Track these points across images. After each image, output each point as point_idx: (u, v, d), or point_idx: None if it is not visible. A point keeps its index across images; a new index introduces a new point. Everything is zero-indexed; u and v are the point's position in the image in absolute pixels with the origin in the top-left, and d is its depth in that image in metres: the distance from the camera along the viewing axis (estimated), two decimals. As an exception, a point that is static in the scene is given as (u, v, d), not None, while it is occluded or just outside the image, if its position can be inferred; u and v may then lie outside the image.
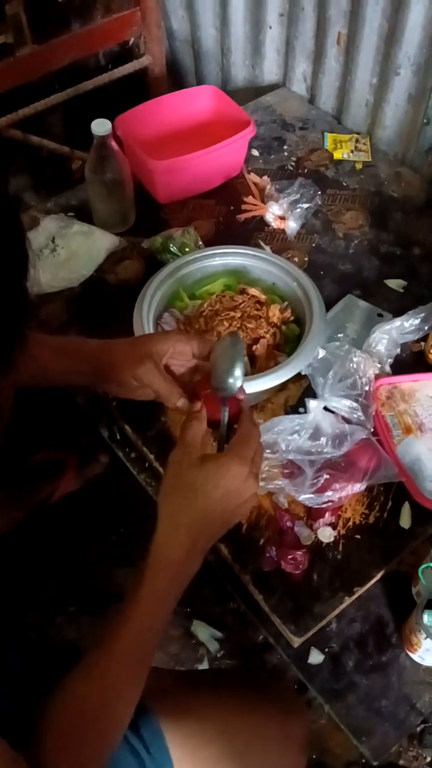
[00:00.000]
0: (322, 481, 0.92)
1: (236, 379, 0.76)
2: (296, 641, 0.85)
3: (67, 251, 1.26)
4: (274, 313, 1.03)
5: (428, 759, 1.17)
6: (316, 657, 0.86)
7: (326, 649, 0.86)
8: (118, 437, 1.05)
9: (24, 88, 1.51)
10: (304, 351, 0.96)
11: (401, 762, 1.17)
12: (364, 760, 0.82)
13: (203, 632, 1.31)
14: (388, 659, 0.86)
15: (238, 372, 0.76)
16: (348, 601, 0.88)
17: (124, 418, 1.03)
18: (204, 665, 1.29)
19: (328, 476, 0.92)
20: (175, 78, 1.87)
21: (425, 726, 1.17)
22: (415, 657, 0.84)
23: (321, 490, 0.91)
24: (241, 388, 0.79)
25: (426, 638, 0.78)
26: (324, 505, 0.91)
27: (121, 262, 1.26)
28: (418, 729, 1.17)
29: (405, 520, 0.93)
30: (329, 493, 0.91)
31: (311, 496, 0.91)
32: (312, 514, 0.93)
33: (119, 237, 1.28)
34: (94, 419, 1.08)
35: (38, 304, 1.20)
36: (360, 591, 0.89)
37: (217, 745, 0.88)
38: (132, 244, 1.28)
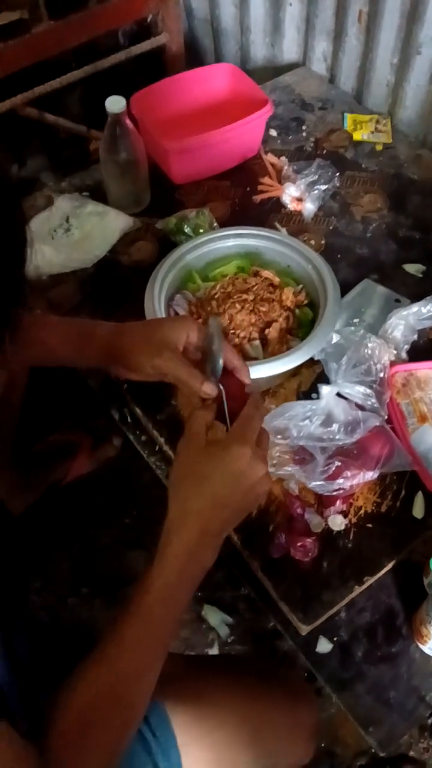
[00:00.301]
0: (333, 469, 0.90)
1: (215, 360, 0.76)
2: (304, 629, 0.84)
3: (81, 232, 1.25)
4: (288, 296, 1.01)
5: (438, 750, 1.16)
6: (324, 646, 0.85)
7: (335, 639, 0.85)
8: (129, 420, 1.04)
9: (40, 66, 1.50)
10: (317, 335, 0.94)
11: (411, 753, 1.17)
12: (374, 750, 0.81)
13: (214, 617, 1.31)
14: (397, 650, 0.84)
15: (215, 349, 0.76)
16: (358, 590, 0.86)
17: (135, 401, 1.02)
18: (214, 650, 1.28)
19: (339, 463, 0.90)
20: (194, 56, 1.84)
21: (436, 717, 1.16)
22: (425, 649, 0.83)
23: (332, 478, 0.90)
24: (246, 373, 0.78)
25: (436, 630, 0.77)
26: (335, 493, 0.89)
27: (135, 243, 1.24)
28: (429, 721, 1.16)
29: (418, 510, 0.92)
30: (340, 480, 0.89)
31: (322, 483, 0.89)
32: (323, 502, 0.92)
33: (133, 218, 1.27)
34: (106, 402, 1.07)
35: (50, 285, 1.19)
36: (370, 580, 0.87)
37: (224, 730, 0.87)
38: (146, 225, 1.27)
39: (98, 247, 1.23)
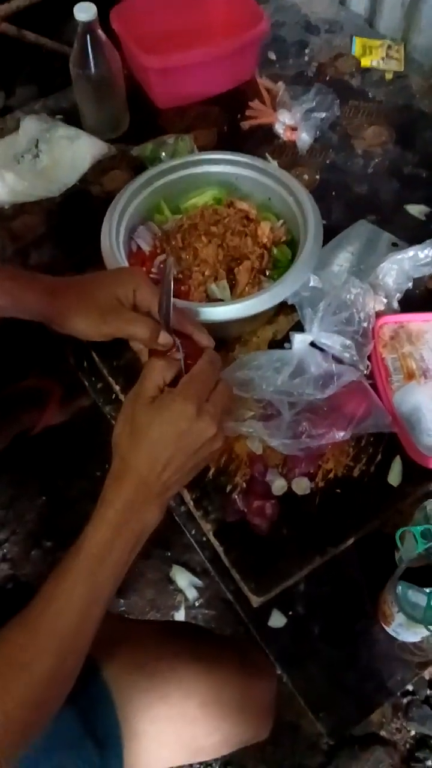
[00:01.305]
0: (300, 427, 0.80)
1: (167, 309, 0.71)
2: (255, 600, 0.76)
3: (50, 157, 1.14)
4: (264, 231, 0.89)
5: (412, 732, 1.08)
6: (277, 619, 0.76)
7: (290, 612, 0.77)
8: (86, 365, 0.94)
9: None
10: (290, 276, 0.83)
11: (383, 733, 1.09)
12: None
13: (182, 579, 1.24)
14: (359, 630, 0.76)
15: (166, 295, 0.70)
16: (319, 561, 0.77)
17: (92, 345, 0.93)
18: (180, 613, 1.22)
19: (307, 421, 0.80)
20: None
21: (412, 698, 1.08)
22: (389, 630, 0.74)
23: (298, 436, 0.80)
24: (204, 337, 0.73)
25: (399, 611, 0.68)
26: (299, 453, 0.80)
27: (108, 172, 1.13)
28: (405, 701, 1.09)
29: (394, 477, 0.82)
30: (307, 439, 0.79)
31: (286, 441, 0.79)
32: (288, 463, 0.82)
33: (108, 144, 1.15)
34: (62, 345, 0.97)
35: (12, 215, 1.09)
36: (334, 551, 0.78)
37: (168, 704, 0.81)
38: (122, 153, 1.15)
39: (67, 174, 1.12)
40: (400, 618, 0.68)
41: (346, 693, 0.73)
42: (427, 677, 0.83)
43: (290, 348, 0.87)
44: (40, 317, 0.78)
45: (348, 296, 0.88)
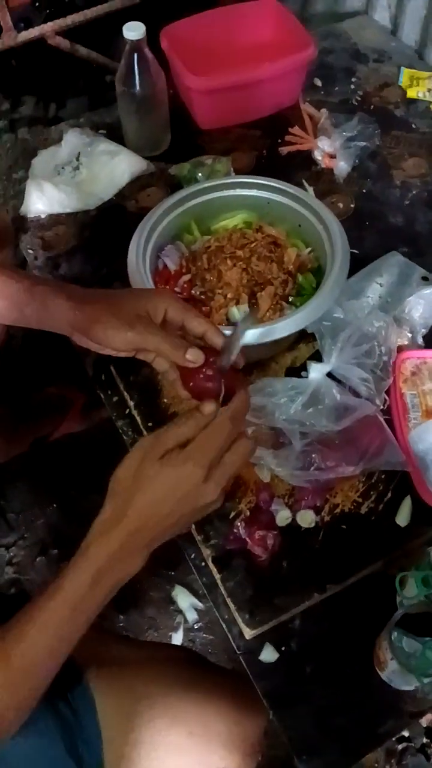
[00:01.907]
0: (310, 458, 0.79)
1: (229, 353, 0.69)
2: (249, 633, 0.74)
3: (89, 171, 1.15)
4: (290, 257, 0.88)
5: (406, 779, 1.04)
6: (269, 654, 0.74)
7: (283, 648, 0.74)
8: (103, 378, 0.95)
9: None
10: (313, 305, 0.82)
11: (376, 777, 1.06)
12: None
13: (183, 600, 1.22)
14: (353, 672, 0.73)
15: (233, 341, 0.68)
16: (318, 598, 0.76)
17: (111, 359, 0.93)
18: (178, 635, 1.20)
19: (318, 452, 0.79)
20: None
21: (407, 745, 1.04)
22: (383, 676, 0.71)
23: (307, 467, 0.78)
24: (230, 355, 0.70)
25: (392, 659, 0.65)
26: (306, 484, 0.78)
27: (145, 189, 1.14)
28: (399, 747, 1.05)
29: (403, 517, 0.80)
30: (315, 471, 0.78)
31: (294, 472, 0.78)
32: (295, 494, 0.81)
33: (147, 161, 1.16)
34: (82, 356, 0.98)
35: (47, 225, 1.11)
36: (334, 589, 0.76)
37: (152, 731, 0.79)
38: (160, 171, 1.16)
39: (104, 189, 1.13)
40: (393, 665, 0.66)
41: (333, 738, 0.70)
42: (424, 724, 0.79)
43: (307, 377, 0.85)
44: (66, 326, 0.75)
45: (370, 329, 0.86)
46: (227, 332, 0.72)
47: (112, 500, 0.64)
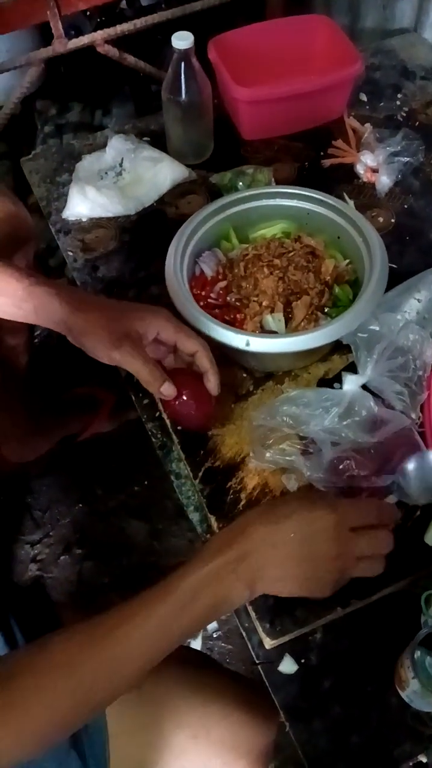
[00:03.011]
0: (343, 465, 0.78)
1: None
2: (269, 642, 0.74)
3: (132, 176, 1.17)
4: (328, 268, 0.88)
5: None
6: (288, 665, 0.73)
7: (302, 660, 0.74)
8: (135, 379, 0.95)
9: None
10: (348, 316, 0.81)
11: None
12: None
13: (204, 608, 1.22)
14: (372, 690, 0.72)
15: None
16: (340, 612, 0.75)
17: (144, 360, 0.94)
18: (197, 642, 1.20)
19: (351, 459, 0.78)
20: (302, 12, 1.70)
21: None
22: (403, 696, 0.70)
23: (339, 474, 0.77)
24: (214, 383, 0.79)
25: (414, 678, 0.64)
26: (336, 489, 0.77)
27: (186, 196, 1.15)
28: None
29: (431, 536, 0.78)
30: (346, 478, 0.77)
31: (323, 476, 0.77)
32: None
33: (189, 169, 1.17)
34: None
35: (88, 228, 1.13)
36: (358, 605, 0.75)
37: (156, 732, 0.79)
38: (202, 178, 1.17)
39: (145, 194, 1.15)
40: (415, 685, 0.65)
41: (348, 756, 0.69)
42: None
43: (340, 388, 0.85)
44: (62, 326, 0.77)
45: (405, 342, 0.85)
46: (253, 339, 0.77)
47: (239, 521, 0.65)
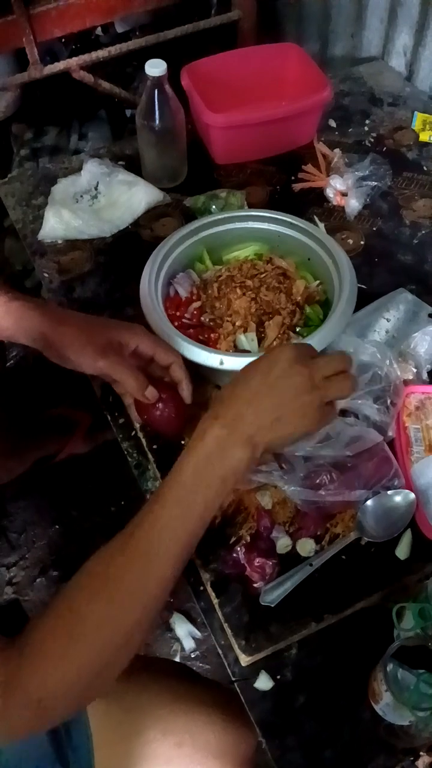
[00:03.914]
0: (319, 479, 0.79)
1: None
2: (245, 659, 0.74)
3: (107, 200, 1.19)
4: (299, 289, 0.90)
5: None
6: (264, 682, 0.74)
7: (278, 677, 0.74)
8: (111, 399, 0.96)
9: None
10: (319, 335, 0.83)
11: None
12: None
13: (181, 627, 1.22)
14: (346, 705, 0.73)
15: None
16: (314, 627, 0.76)
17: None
18: (174, 662, 1.19)
19: (327, 473, 0.79)
20: (274, 40, 1.75)
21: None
22: (377, 708, 0.71)
23: (315, 487, 0.79)
24: (187, 392, 0.83)
25: (387, 690, 0.65)
26: (312, 505, 0.78)
27: (160, 219, 1.17)
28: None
29: (403, 550, 0.80)
30: (321, 492, 0.78)
31: (299, 489, 0.78)
32: (296, 522, 0.82)
33: (164, 192, 1.19)
34: (90, 377, 1.00)
35: (63, 250, 1.14)
36: (331, 620, 0.76)
37: (142, 741, 0.79)
38: (176, 202, 1.19)
39: (120, 217, 1.16)
40: (387, 698, 0.65)
41: (323, 771, 0.70)
42: (421, 767, 0.77)
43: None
44: (40, 341, 0.79)
45: (365, 357, 0.87)
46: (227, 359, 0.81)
47: (216, 400, 0.71)
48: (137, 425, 0.92)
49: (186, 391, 0.82)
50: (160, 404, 0.81)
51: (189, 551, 0.64)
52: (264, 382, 0.66)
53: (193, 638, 1.22)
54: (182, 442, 0.87)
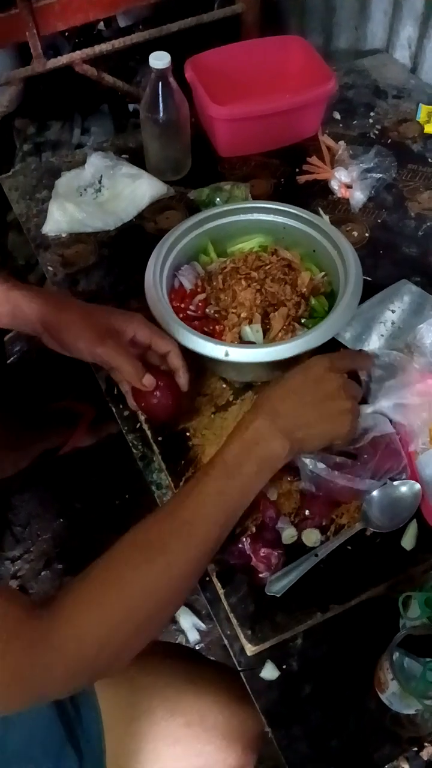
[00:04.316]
0: (338, 459, 0.79)
1: None
2: (251, 649, 0.74)
3: (111, 193, 1.18)
4: (304, 280, 0.90)
5: None
6: (270, 672, 0.74)
7: (284, 666, 0.74)
8: (116, 391, 0.96)
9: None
10: (324, 327, 0.83)
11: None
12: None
13: (186, 619, 1.22)
14: (351, 695, 0.73)
15: None
16: (320, 617, 0.76)
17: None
18: (180, 654, 1.19)
19: (338, 460, 0.79)
20: (276, 33, 1.74)
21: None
22: (383, 698, 0.71)
23: (331, 466, 0.78)
24: (184, 379, 0.83)
25: (393, 679, 0.65)
26: (321, 480, 0.77)
27: (164, 211, 1.17)
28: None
29: (408, 541, 0.80)
30: (336, 472, 0.78)
31: (315, 460, 0.78)
32: (301, 512, 0.82)
33: (167, 185, 1.19)
34: (95, 369, 1.00)
35: (67, 243, 1.14)
36: (337, 609, 0.76)
37: (150, 721, 0.80)
38: (180, 195, 1.19)
39: (124, 210, 1.16)
40: (394, 687, 0.66)
41: (329, 760, 0.70)
42: (425, 758, 0.78)
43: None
44: (39, 328, 0.80)
45: (388, 359, 0.87)
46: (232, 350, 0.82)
47: (259, 398, 0.75)
48: (142, 417, 0.92)
49: (183, 379, 0.82)
50: (157, 392, 0.81)
51: (227, 527, 0.70)
52: (301, 385, 0.73)
53: (198, 630, 1.22)
54: (187, 434, 0.88)
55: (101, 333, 0.78)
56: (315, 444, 0.74)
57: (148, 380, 0.79)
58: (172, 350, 0.81)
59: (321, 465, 0.77)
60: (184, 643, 1.22)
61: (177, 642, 1.22)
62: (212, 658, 1.04)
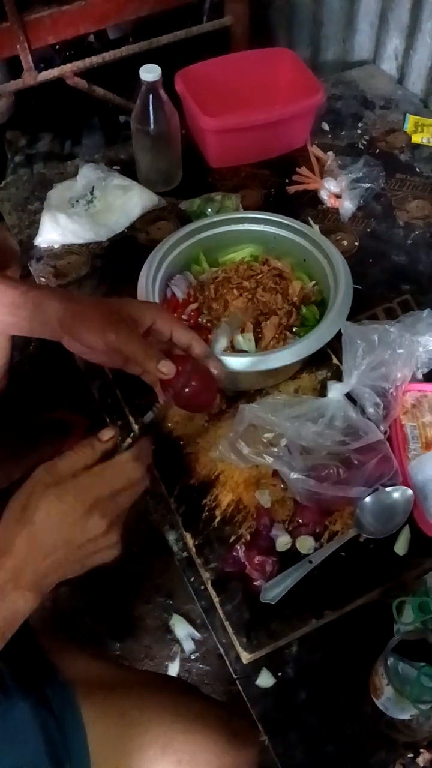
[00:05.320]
0: (325, 471, 0.79)
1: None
2: (246, 657, 0.75)
3: (103, 204, 1.19)
4: (295, 289, 0.91)
5: None
6: (266, 679, 0.74)
7: (279, 674, 0.75)
8: (109, 401, 0.97)
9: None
10: (315, 336, 0.84)
11: None
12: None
13: (181, 629, 1.22)
14: (347, 700, 0.73)
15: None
16: (315, 624, 0.76)
17: (116, 382, 0.96)
18: (174, 665, 1.19)
19: (332, 469, 0.80)
20: (265, 45, 1.76)
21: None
22: (378, 703, 0.71)
23: (318, 479, 0.79)
24: (213, 363, 0.78)
25: (388, 684, 0.65)
26: (312, 493, 0.78)
27: (156, 222, 1.18)
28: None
29: (401, 546, 0.81)
30: (324, 484, 0.79)
31: (301, 477, 0.78)
32: (296, 518, 0.82)
33: (159, 196, 1.20)
34: (90, 379, 1.00)
35: (60, 254, 1.14)
36: (332, 616, 0.77)
37: (142, 758, 0.79)
38: (171, 206, 1.20)
39: (116, 221, 1.17)
40: (389, 692, 0.66)
41: (324, 766, 0.70)
42: (421, 763, 0.78)
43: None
44: (57, 328, 0.78)
45: (389, 352, 0.87)
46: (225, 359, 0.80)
47: (1, 527, 0.60)
48: (136, 427, 0.92)
49: (215, 361, 0.78)
50: (181, 378, 0.74)
51: None
52: (20, 522, 0.59)
53: (193, 640, 1.22)
54: (180, 443, 0.88)
55: (116, 321, 0.74)
56: (67, 573, 0.62)
57: (165, 366, 0.73)
58: (194, 341, 0.77)
59: (311, 482, 0.78)
60: (179, 653, 1.21)
61: (172, 651, 1.22)
62: (204, 692, 1.03)
